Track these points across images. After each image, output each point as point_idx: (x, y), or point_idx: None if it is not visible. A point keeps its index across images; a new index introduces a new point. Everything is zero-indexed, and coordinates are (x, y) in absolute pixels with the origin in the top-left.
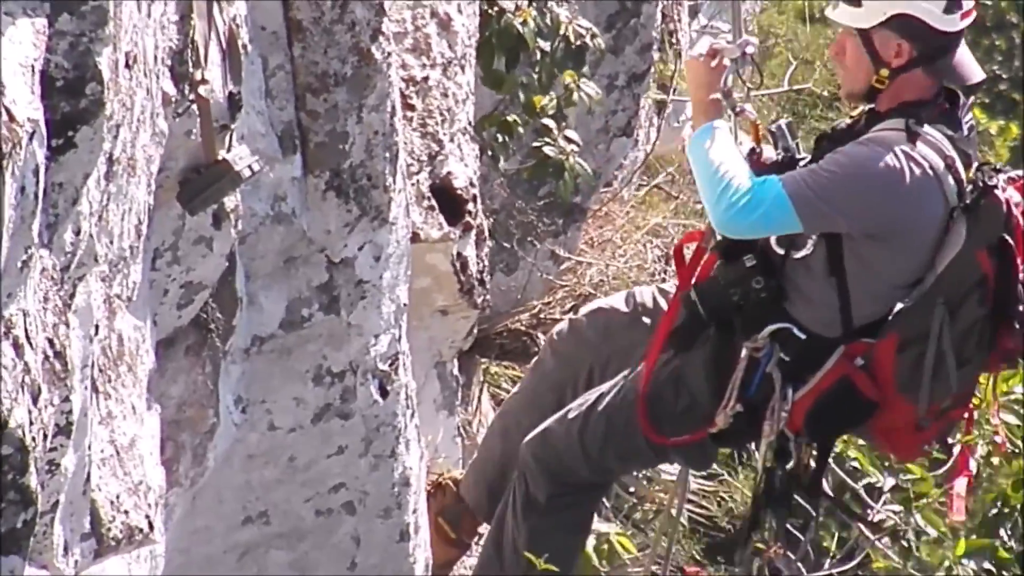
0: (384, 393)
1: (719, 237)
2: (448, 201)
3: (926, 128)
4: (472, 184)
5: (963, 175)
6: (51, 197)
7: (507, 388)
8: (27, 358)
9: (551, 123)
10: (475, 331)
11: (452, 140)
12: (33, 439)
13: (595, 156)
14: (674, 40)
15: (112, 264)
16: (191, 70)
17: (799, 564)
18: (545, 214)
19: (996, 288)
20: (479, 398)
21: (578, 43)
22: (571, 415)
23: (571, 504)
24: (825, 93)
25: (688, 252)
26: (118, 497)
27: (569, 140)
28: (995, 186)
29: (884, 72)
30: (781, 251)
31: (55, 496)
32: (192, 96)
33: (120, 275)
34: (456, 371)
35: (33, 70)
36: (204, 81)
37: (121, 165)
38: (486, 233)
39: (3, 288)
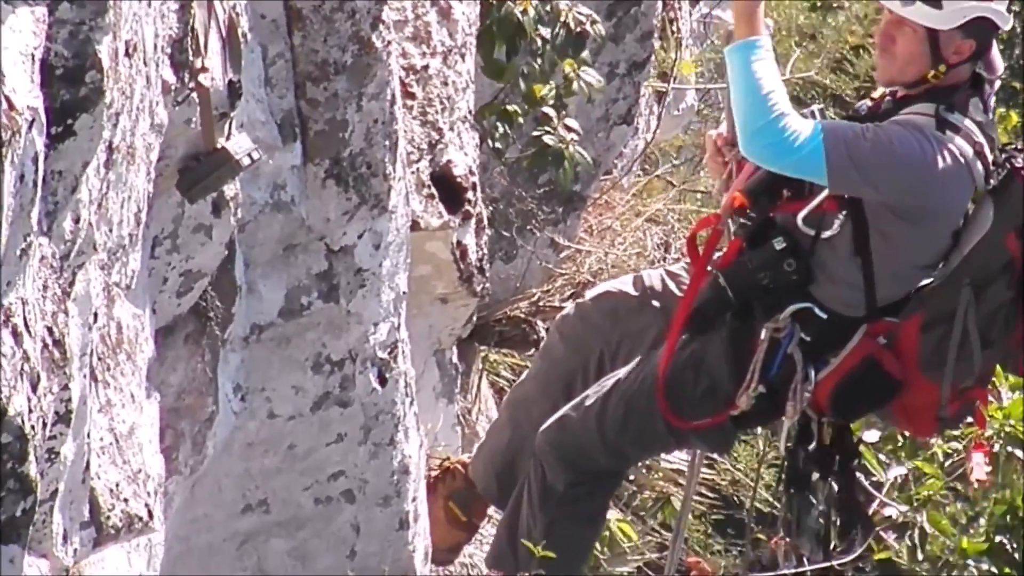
0: (383, 381)
1: (739, 221)
2: (448, 189)
3: (956, 115)
4: (472, 172)
5: (990, 159)
6: (50, 185)
7: (506, 376)
8: (26, 346)
9: (551, 112)
10: (474, 319)
11: (452, 129)
12: (32, 427)
13: (595, 144)
14: (674, 28)
15: (111, 252)
16: (191, 58)
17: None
18: (545, 202)
19: (1022, 276)
20: (478, 386)
21: (578, 30)
22: (588, 402)
23: (587, 494)
24: (827, 81)
25: (701, 239)
26: (117, 485)
27: (569, 128)
28: (1019, 168)
29: (942, 68)
30: (811, 231)
31: (54, 484)
32: (192, 84)
33: (119, 263)
34: (455, 359)
35: (33, 58)
36: (204, 69)
37: (121, 153)
38: (485, 221)
39: (2, 276)
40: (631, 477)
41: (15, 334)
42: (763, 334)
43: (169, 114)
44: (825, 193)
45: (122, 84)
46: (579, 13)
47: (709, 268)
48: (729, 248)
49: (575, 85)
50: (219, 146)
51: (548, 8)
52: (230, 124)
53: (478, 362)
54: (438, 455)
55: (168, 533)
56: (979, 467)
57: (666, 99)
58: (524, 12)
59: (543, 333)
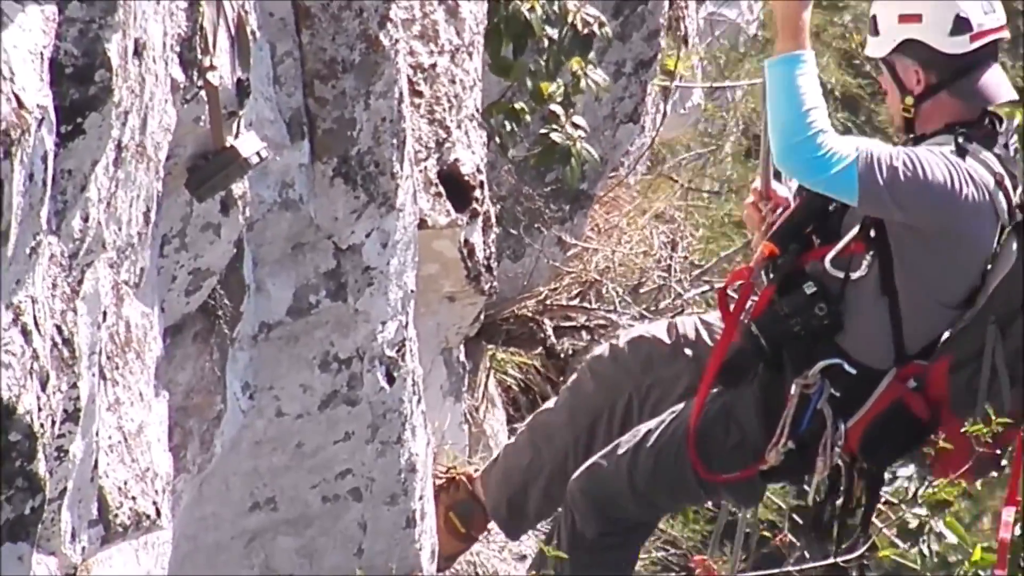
0: (391, 379)
1: (771, 274)
2: (455, 188)
3: (975, 145)
4: (479, 171)
5: (1012, 194)
6: (60, 184)
7: (513, 374)
8: (35, 345)
9: (559, 110)
10: (482, 317)
11: (459, 127)
12: (41, 426)
13: (602, 143)
14: (681, 27)
15: (120, 251)
16: (200, 57)
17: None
18: (552, 200)
19: None
20: (485, 384)
21: (586, 31)
22: (620, 450)
23: (617, 544)
24: (833, 80)
25: (733, 294)
26: (125, 483)
27: (576, 126)
28: None
29: (908, 100)
30: (839, 273)
31: (63, 483)
32: (200, 83)
33: (128, 262)
34: (463, 357)
35: (42, 57)
36: (213, 68)
37: (129, 152)
38: (493, 220)
39: (12, 275)
40: None
41: (24, 332)
42: (793, 389)
43: (178, 112)
44: (852, 233)
45: (131, 83)
46: (587, 14)
47: (742, 319)
48: (761, 297)
49: (582, 83)
50: (228, 144)
51: (556, 7)
52: (239, 123)
53: (485, 360)
54: (445, 453)
55: (176, 531)
56: (1007, 526)
57: (672, 97)
58: (531, 10)
59: (550, 332)
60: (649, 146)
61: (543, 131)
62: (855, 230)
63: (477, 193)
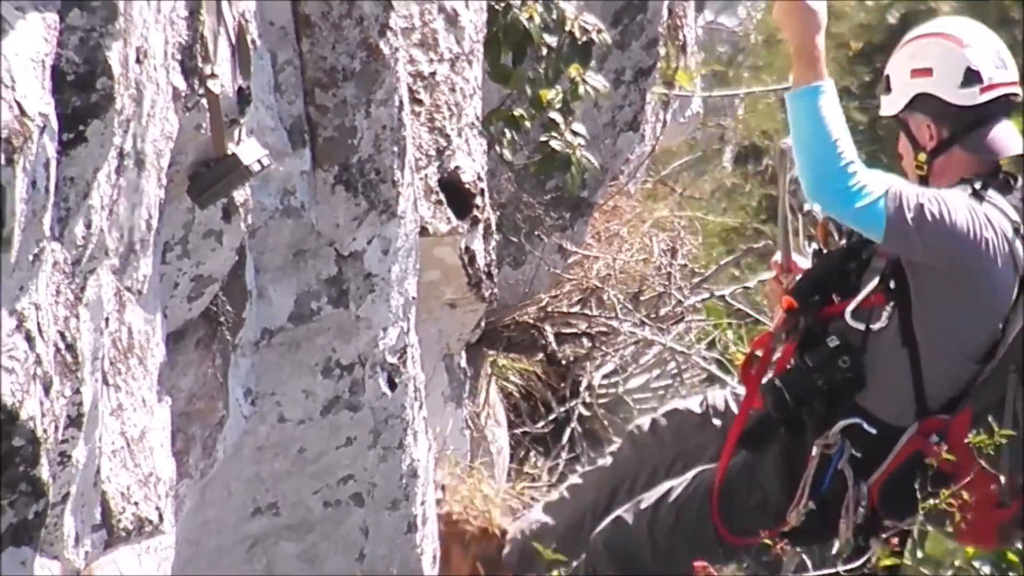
0: (392, 385)
1: (795, 323)
2: (456, 195)
3: (991, 192)
4: (480, 178)
5: None
6: (62, 191)
7: (515, 380)
8: (39, 350)
9: (558, 117)
10: (483, 324)
11: (460, 135)
12: (44, 431)
13: (602, 151)
14: (680, 36)
15: (123, 257)
16: (200, 65)
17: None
18: (552, 208)
19: None
20: (487, 390)
21: (584, 39)
22: (642, 505)
23: None
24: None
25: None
26: (128, 489)
27: (576, 134)
28: None
29: (922, 156)
30: (860, 326)
31: (66, 487)
32: (202, 91)
33: (130, 268)
34: (464, 363)
35: (44, 65)
36: (213, 76)
37: (131, 159)
38: (494, 227)
39: (15, 281)
40: None
41: (28, 338)
42: (814, 451)
43: (179, 120)
44: (872, 285)
45: (132, 90)
46: (585, 22)
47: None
48: (784, 352)
49: (581, 90)
50: (229, 152)
51: (554, 16)
52: (240, 130)
53: (487, 367)
54: (447, 460)
55: (178, 536)
56: None
57: (672, 105)
58: (530, 18)
59: (551, 338)
60: (649, 154)
61: (543, 139)
62: (874, 282)
63: (478, 200)
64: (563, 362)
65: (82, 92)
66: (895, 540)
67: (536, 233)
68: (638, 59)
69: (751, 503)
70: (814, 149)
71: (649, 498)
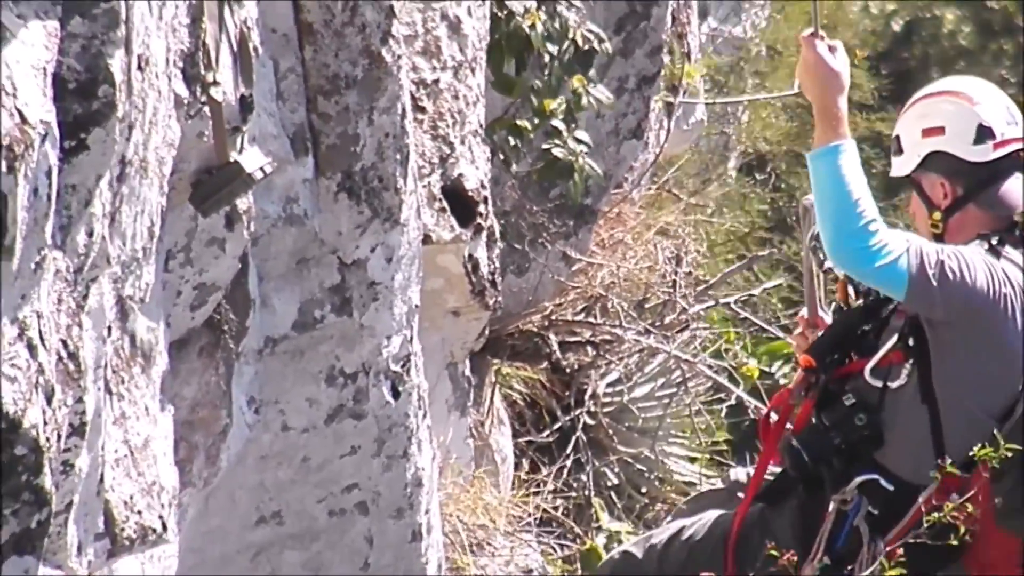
0: (396, 394)
1: (812, 380)
2: (459, 203)
3: (1008, 248)
4: (483, 186)
5: None
6: (64, 199)
7: (519, 388)
8: (41, 359)
9: (561, 125)
10: (487, 332)
11: (463, 142)
12: (47, 440)
13: (605, 158)
14: (684, 43)
15: (125, 265)
16: (203, 72)
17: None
18: (556, 216)
19: None
20: (491, 399)
21: (586, 47)
22: (653, 540)
23: None
24: None
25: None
26: (132, 497)
27: (579, 141)
28: None
29: (937, 215)
30: (878, 383)
31: (69, 496)
32: (204, 98)
33: (133, 276)
34: (468, 372)
35: (45, 72)
36: (216, 83)
37: (133, 167)
38: (497, 235)
39: (17, 289)
40: (643, 490)
41: (30, 347)
42: (831, 506)
43: (181, 128)
44: (891, 343)
45: (134, 98)
46: (587, 31)
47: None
48: (801, 411)
49: (584, 100)
50: (232, 160)
51: (557, 24)
52: (242, 138)
53: (491, 375)
54: (450, 468)
55: (182, 545)
56: None
57: (675, 113)
58: (532, 27)
59: (555, 347)
60: (653, 162)
61: (546, 146)
62: (893, 339)
63: (481, 208)
64: (567, 370)
65: (84, 100)
66: (899, 551)
67: (540, 241)
68: (641, 66)
69: (764, 553)
70: (835, 208)
71: (660, 534)
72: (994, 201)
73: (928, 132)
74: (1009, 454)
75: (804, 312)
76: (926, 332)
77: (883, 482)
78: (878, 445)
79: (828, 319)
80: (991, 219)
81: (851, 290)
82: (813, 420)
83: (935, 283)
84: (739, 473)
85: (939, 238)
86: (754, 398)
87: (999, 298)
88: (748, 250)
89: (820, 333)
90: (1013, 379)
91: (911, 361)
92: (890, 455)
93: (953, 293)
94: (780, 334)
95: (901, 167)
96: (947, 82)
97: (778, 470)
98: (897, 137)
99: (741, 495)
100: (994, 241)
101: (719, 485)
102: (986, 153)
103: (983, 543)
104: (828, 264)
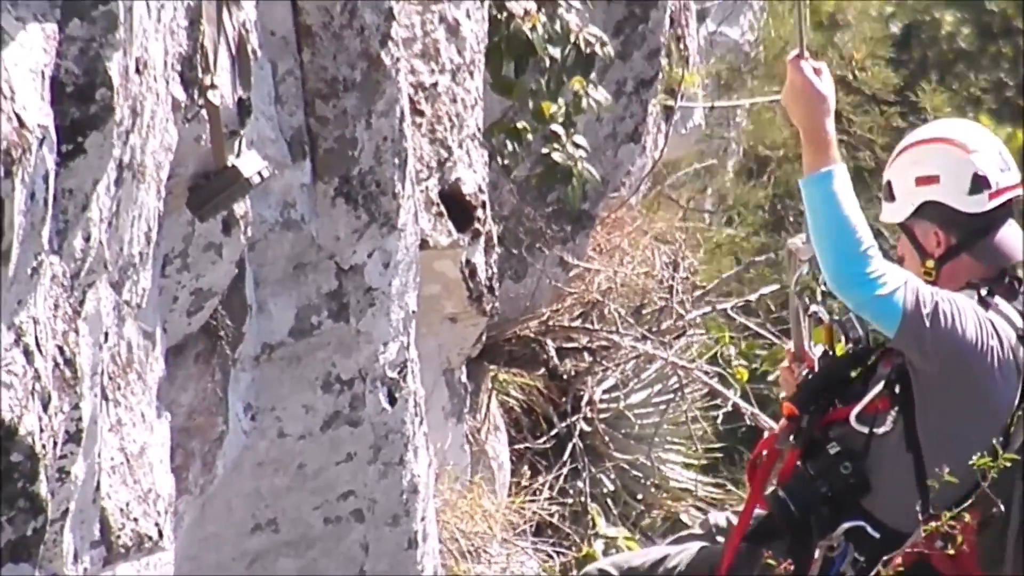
0: (393, 400)
1: (793, 434)
2: (457, 208)
3: (997, 298)
4: (481, 191)
5: None
6: (61, 203)
7: (515, 395)
8: (37, 365)
9: (560, 129)
10: (484, 338)
11: (461, 146)
12: (43, 446)
13: (603, 163)
14: (682, 46)
15: (122, 271)
16: (201, 75)
17: None
18: (554, 221)
19: None
20: (488, 405)
21: (587, 51)
22: (634, 562)
23: None
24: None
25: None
26: (128, 505)
27: (578, 146)
28: None
29: (930, 263)
30: (864, 429)
31: (65, 504)
32: (202, 102)
33: (130, 282)
34: (465, 378)
35: (43, 76)
36: (214, 86)
37: (131, 171)
38: (495, 240)
39: (13, 295)
40: (639, 496)
41: (26, 353)
42: (817, 553)
43: (179, 131)
44: (877, 390)
45: (132, 101)
46: (589, 34)
47: (770, 486)
48: (786, 462)
49: (583, 103)
50: (229, 164)
51: (557, 27)
52: (240, 142)
53: (487, 381)
54: (447, 475)
55: (178, 552)
56: None
57: (673, 117)
58: (532, 29)
59: (552, 353)
60: (652, 167)
61: (544, 151)
62: (879, 386)
63: (479, 213)
64: (564, 377)
65: (81, 103)
66: (898, 560)
67: (537, 246)
68: (640, 70)
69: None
70: (832, 234)
71: (639, 559)
72: (988, 251)
73: (922, 181)
74: (1008, 464)
75: (791, 345)
76: (912, 380)
77: (869, 529)
78: (864, 492)
79: (816, 354)
80: (983, 268)
81: (838, 331)
82: (799, 469)
83: (927, 324)
84: (718, 517)
85: (931, 284)
86: (749, 404)
87: (986, 350)
88: (747, 255)
89: (805, 375)
90: (995, 429)
91: (896, 409)
92: (876, 502)
93: (943, 338)
94: (776, 340)
95: (894, 214)
96: (940, 127)
97: (764, 512)
98: (888, 183)
99: (721, 539)
100: (984, 292)
101: (697, 530)
102: (981, 203)
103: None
104: (813, 309)
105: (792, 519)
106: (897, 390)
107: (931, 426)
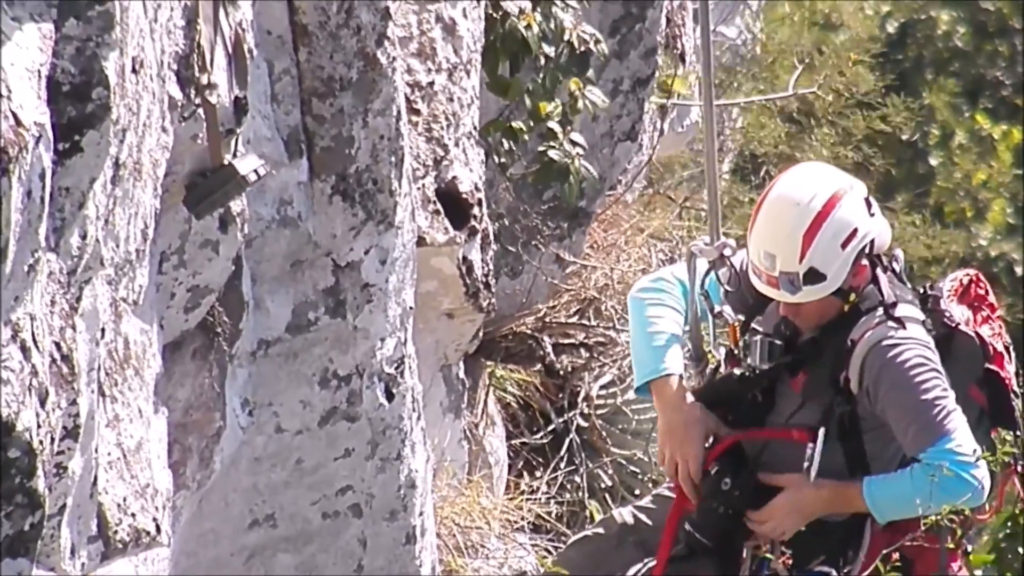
0: (390, 396)
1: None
2: (454, 205)
3: (899, 307)
4: (477, 188)
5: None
6: (58, 201)
7: (512, 391)
8: (34, 361)
9: (556, 127)
10: (480, 334)
11: (457, 145)
12: (40, 442)
13: (599, 160)
14: (678, 45)
15: (119, 268)
16: (197, 74)
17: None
18: (550, 218)
19: (992, 417)
20: (485, 401)
21: (582, 49)
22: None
23: None
24: (829, 98)
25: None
26: (125, 500)
27: (574, 143)
28: (957, 324)
29: (853, 297)
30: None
31: (62, 499)
32: (198, 100)
33: (127, 279)
34: (462, 374)
35: (40, 75)
36: (210, 85)
37: (127, 169)
38: (491, 237)
39: (10, 292)
40: (637, 492)
41: (23, 349)
42: (745, 552)
43: (176, 130)
44: (802, 423)
45: (129, 100)
46: (583, 32)
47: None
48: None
49: (580, 103)
50: (226, 162)
51: (552, 26)
52: (237, 140)
53: (484, 377)
54: (444, 470)
55: (175, 547)
56: None
57: (669, 115)
58: (528, 28)
59: (549, 349)
60: (647, 164)
61: (541, 148)
62: (806, 420)
63: (475, 210)
64: (561, 373)
65: (78, 102)
66: (895, 555)
67: (534, 243)
68: (636, 68)
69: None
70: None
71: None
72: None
73: (846, 241)
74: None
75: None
76: (860, 421)
77: None
78: (755, 500)
79: (720, 355)
80: (869, 273)
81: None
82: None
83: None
84: (624, 514)
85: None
86: None
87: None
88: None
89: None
90: None
91: (825, 440)
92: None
93: None
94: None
95: (829, 286)
96: (783, 193)
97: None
98: (812, 269)
99: (632, 538)
100: (889, 309)
101: (600, 530)
102: (886, 243)
103: (918, 562)
104: (718, 308)
105: (706, 548)
106: (836, 429)
107: (886, 448)
